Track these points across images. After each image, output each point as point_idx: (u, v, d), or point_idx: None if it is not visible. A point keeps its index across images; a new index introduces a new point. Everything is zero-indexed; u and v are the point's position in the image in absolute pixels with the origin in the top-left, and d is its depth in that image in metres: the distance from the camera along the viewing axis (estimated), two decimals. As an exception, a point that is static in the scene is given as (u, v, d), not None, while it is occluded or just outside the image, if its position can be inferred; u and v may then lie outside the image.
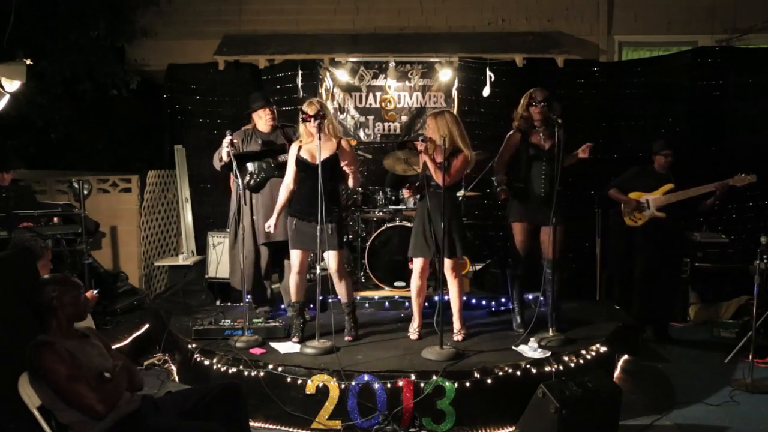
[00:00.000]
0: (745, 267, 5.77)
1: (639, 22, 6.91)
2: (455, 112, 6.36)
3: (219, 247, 5.61)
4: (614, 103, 6.48)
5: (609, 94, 6.49)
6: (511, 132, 4.58)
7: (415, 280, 4.35)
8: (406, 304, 5.10)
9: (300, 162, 4.29)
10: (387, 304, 5.25)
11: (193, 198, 6.60)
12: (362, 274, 5.49)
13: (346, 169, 4.24)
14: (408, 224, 5.29)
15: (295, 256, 4.36)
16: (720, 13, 6.79)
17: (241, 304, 5.25)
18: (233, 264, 4.90)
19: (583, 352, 4.08)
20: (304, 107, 4.23)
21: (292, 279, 4.42)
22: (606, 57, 6.89)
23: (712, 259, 5.92)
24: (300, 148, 4.33)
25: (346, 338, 4.36)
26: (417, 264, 4.33)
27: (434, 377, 3.65)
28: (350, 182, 4.32)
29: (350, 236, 5.64)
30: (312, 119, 4.16)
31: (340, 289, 4.37)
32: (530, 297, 5.07)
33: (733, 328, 5.37)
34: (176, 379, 4.51)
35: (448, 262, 4.25)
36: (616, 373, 4.52)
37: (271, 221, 4.39)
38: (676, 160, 5.23)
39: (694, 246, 5.92)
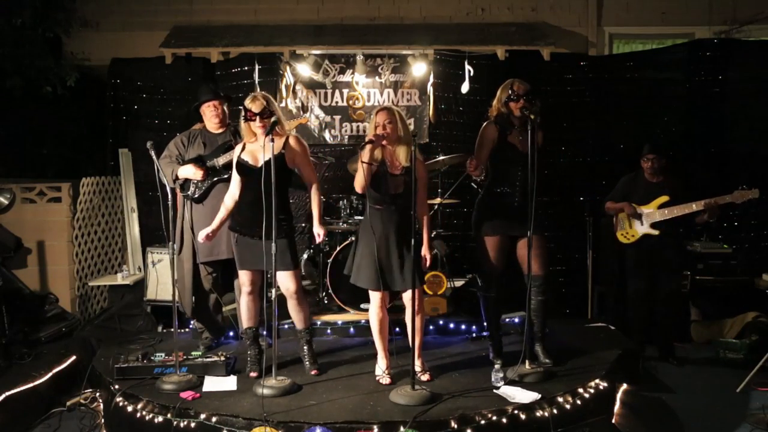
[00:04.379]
0: (750, 280, 5.34)
1: (631, 12, 6.49)
2: (431, 110, 5.87)
3: (159, 265, 4.93)
4: (604, 100, 6.03)
5: (599, 91, 6.04)
6: (486, 123, 3.95)
7: (374, 315, 3.67)
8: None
9: (240, 165, 3.69)
10: (352, 330, 4.63)
11: (140, 208, 5.98)
12: (324, 294, 4.84)
13: (300, 170, 3.74)
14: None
15: (243, 276, 3.79)
16: (718, 3, 6.39)
17: (188, 329, 4.68)
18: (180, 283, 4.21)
19: (581, 390, 3.52)
20: (247, 103, 3.67)
21: (243, 301, 3.84)
22: (595, 50, 6.46)
23: (714, 272, 5.44)
24: (242, 149, 3.70)
25: (312, 372, 3.81)
26: (375, 296, 3.65)
27: (402, 429, 3.04)
28: (312, 185, 3.78)
29: (311, 250, 5.01)
30: (257, 117, 3.60)
31: (297, 314, 3.82)
32: (516, 320, 4.49)
33: (740, 350, 4.88)
34: (102, 422, 3.83)
35: (406, 294, 3.62)
36: (616, 407, 3.94)
37: (206, 230, 3.71)
38: (673, 164, 4.83)
39: (694, 257, 5.44)
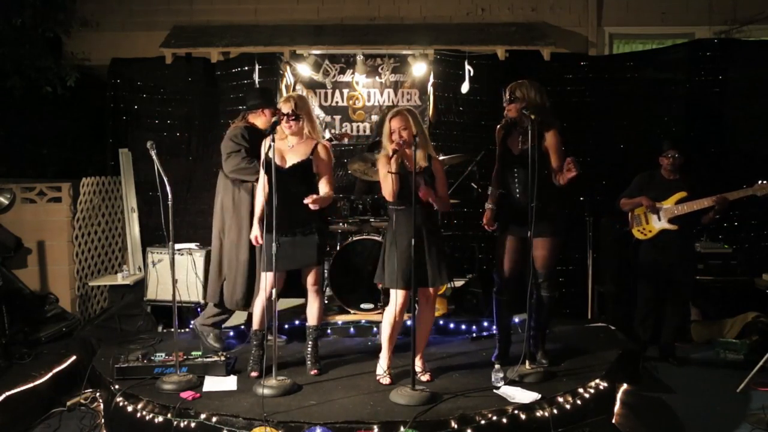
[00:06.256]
0: (750, 280, 5.33)
1: (631, 12, 6.49)
2: (431, 110, 5.88)
3: (159, 265, 4.92)
4: (605, 100, 6.02)
5: (599, 91, 6.03)
6: (497, 126, 4.02)
7: (390, 315, 3.66)
8: (375, 329, 4.47)
9: (268, 164, 3.63)
10: (352, 330, 4.63)
11: (140, 208, 5.98)
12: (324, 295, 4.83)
13: (321, 179, 3.77)
14: (378, 238, 4.67)
15: (270, 277, 3.67)
16: (718, 3, 6.38)
17: (188, 329, 4.68)
18: (243, 282, 4.14)
19: (581, 390, 3.51)
20: (280, 103, 3.75)
21: (261, 304, 3.80)
22: (596, 50, 6.45)
23: (714, 272, 5.41)
24: (270, 146, 3.65)
25: (312, 372, 3.81)
26: (399, 296, 3.62)
27: (402, 429, 3.04)
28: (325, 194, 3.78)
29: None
30: (285, 118, 3.64)
31: (313, 309, 3.87)
32: (516, 320, 4.48)
33: (741, 350, 4.89)
34: (102, 422, 3.82)
35: (428, 291, 3.64)
36: (616, 407, 3.93)
37: (256, 230, 3.78)
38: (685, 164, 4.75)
39: (695, 257, 5.38)
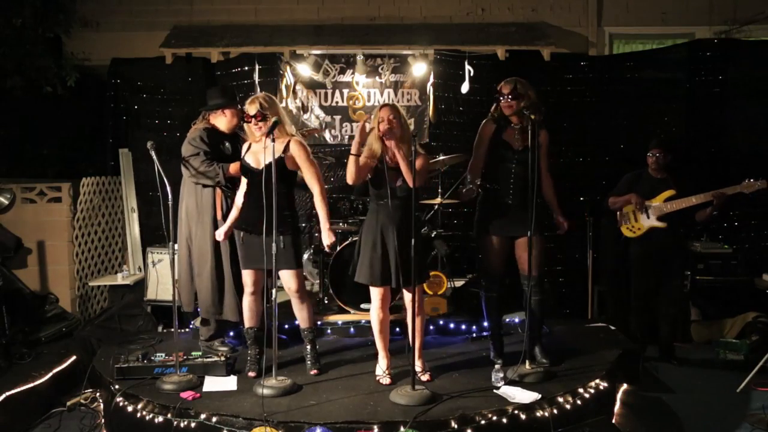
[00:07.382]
0: (750, 280, 5.32)
1: (631, 12, 6.48)
2: (431, 110, 5.88)
3: (159, 265, 4.92)
4: (605, 100, 6.02)
5: (599, 91, 6.03)
6: (484, 121, 3.98)
7: (374, 314, 3.67)
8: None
9: (243, 167, 3.75)
10: (353, 330, 4.62)
11: (140, 208, 5.99)
12: (324, 295, 4.84)
13: (304, 175, 3.74)
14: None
15: (247, 275, 3.83)
16: (718, 3, 6.37)
17: (188, 329, 4.68)
18: (213, 289, 4.08)
19: (581, 390, 3.51)
20: (246, 105, 3.71)
21: (246, 302, 3.88)
22: (596, 50, 6.45)
23: (714, 272, 5.43)
24: (247, 149, 3.75)
25: (312, 372, 3.82)
26: (376, 293, 3.65)
27: (402, 429, 3.04)
28: (313, 191, 3.75)
29: (312, 250, 5.01)
30: (252, 120, 3.64)
31: (299, 313, 3.86)
32: (516, 320, 4.49)
33: (741, 350, 4.89)
34: (102, 422, 3.82)
35: (407, 294, 3.63)
36: (616, 407, 3.94)
37: (222, 229, 3.85)
38: (672, 163, 4.76)
39: (695, 257, 5.44)
